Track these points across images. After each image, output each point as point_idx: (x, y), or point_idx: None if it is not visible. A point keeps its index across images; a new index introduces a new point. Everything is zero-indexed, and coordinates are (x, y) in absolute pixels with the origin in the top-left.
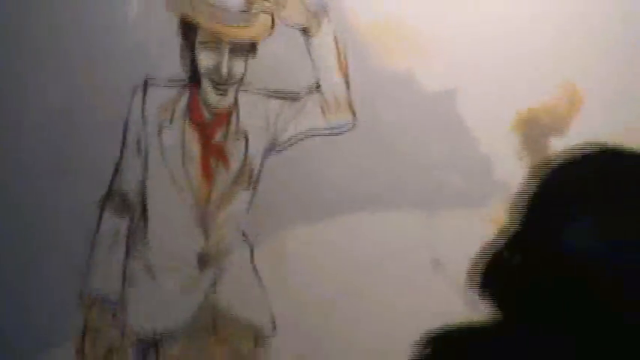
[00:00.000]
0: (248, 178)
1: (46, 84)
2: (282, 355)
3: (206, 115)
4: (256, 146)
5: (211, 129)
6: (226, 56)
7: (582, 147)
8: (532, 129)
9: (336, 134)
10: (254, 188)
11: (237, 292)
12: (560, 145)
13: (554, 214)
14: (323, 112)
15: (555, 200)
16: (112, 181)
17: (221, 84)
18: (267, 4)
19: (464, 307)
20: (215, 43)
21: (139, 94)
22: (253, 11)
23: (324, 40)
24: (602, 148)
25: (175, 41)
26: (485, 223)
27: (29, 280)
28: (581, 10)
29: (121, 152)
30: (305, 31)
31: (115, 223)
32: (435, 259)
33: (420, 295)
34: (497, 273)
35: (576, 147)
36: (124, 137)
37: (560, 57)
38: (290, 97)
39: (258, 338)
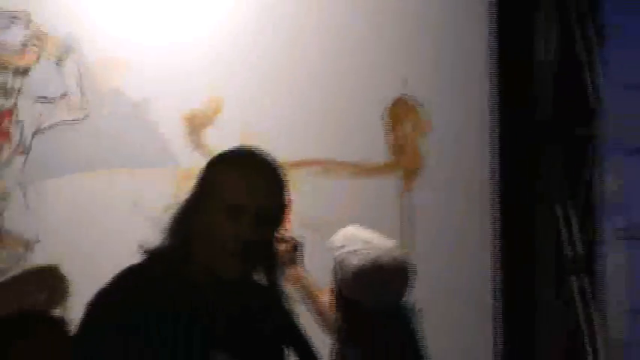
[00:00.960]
0: (23, 148)
1: None
2: (45, 255)
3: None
4: (29, 130)
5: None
6: (10, 75)
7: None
8: (192, 124)
9: (75, 123)
10: (27, 154)
11: (16, 217)
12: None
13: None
14: (68, 110)
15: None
16: None
17: (7, 93)
18: (34, 48)
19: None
20: (2, 68)
21: None
22: (27, 50)
23: (69, 67)
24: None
25: None
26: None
27: None
28: (232, 39)
29: None
30: (59, 62)
31: None
32: (135, 202)
33: (127, 225)
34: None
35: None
36: None
37: (212, 75)
38: (49, 101)
39: (27, 245)
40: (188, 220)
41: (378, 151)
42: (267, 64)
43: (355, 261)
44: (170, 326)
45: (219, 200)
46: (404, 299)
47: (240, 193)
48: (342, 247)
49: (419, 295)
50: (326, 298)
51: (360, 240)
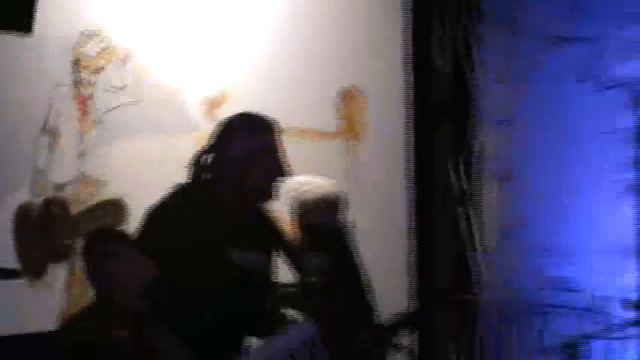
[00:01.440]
0: (98, 121)
1: None
2: (111, 192)
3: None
4: (101, 109)
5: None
6: (90, 73)
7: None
8: (209, 104)
9: (132, 104)
10: (101, 124)
11: (93, 167)
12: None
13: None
14: (127, 96)
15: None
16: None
17: (88, 85)
18: (106, 55)
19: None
20: (85, 68)
21: None
22: (101, 56)
23: (128, 67)
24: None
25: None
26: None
27: None
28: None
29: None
30: (122, 64)
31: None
32: (170, 154)
33: (165, 170)
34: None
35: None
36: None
37: (222, 71)
38: (114, 90)
39: (99, 185)
40: (238, 164)
41: (332, 121)
42: (262, 66)
43: (309, 195)
44: (203, 230)
45: (268, 150)
46: (344, 219)
47: (274, 136)
48: (298, 188)
49: (356, 217)
50: (287, 225)
51: (308, 182)
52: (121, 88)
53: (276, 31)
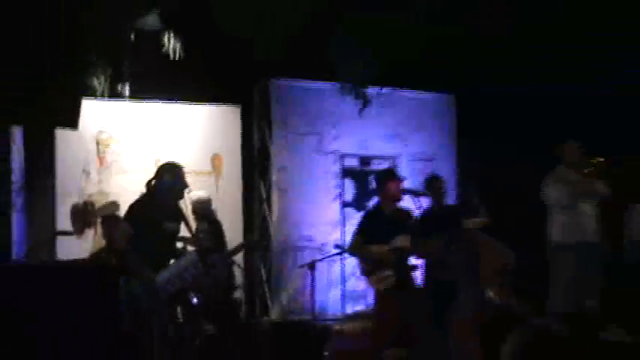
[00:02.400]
0: (106, 167)
1: None
2: (111, 199)
3: (102, 158)
4: (108, 162)
5: (102, 159)
6: (110, 150)
7: None
8: (157, 162)
9: (122, 163)
10: (111, 167)
11: (105, 187)
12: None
13: None
14: (118, 161)
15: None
16: None
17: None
18: (113, 140)
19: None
20: (106, 145)
21: None
22: (109, 142)
23: (116, 146)
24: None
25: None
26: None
27: None
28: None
29: None
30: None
31: None
32: (132, 184)
33: (134, 190)
34: None
35: None
36: None
37: (160, 147)
38: (113, 154)
39: (106, 195)
40: (169, 184)
41: (209, 166)
42: (180, 146)
43: (197, 200)
44: (156, 218)
45: (180, 177)
46: (213, 209)
47: (182, 171)
48: (192, 196)
49: (218, 208)
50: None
51: (197, 194)
52: (118, 155)
53: (186, 129)
